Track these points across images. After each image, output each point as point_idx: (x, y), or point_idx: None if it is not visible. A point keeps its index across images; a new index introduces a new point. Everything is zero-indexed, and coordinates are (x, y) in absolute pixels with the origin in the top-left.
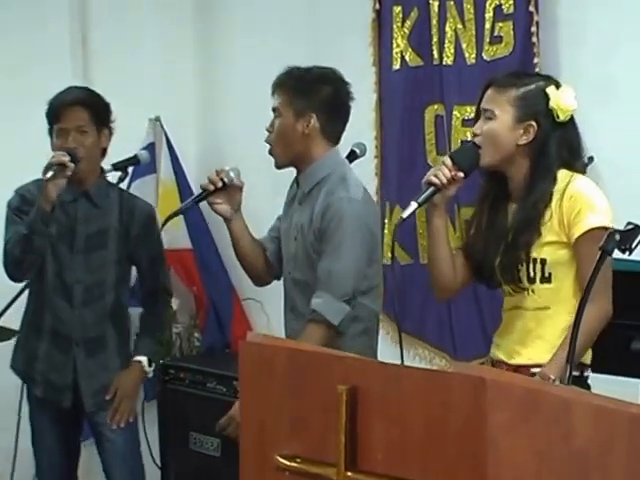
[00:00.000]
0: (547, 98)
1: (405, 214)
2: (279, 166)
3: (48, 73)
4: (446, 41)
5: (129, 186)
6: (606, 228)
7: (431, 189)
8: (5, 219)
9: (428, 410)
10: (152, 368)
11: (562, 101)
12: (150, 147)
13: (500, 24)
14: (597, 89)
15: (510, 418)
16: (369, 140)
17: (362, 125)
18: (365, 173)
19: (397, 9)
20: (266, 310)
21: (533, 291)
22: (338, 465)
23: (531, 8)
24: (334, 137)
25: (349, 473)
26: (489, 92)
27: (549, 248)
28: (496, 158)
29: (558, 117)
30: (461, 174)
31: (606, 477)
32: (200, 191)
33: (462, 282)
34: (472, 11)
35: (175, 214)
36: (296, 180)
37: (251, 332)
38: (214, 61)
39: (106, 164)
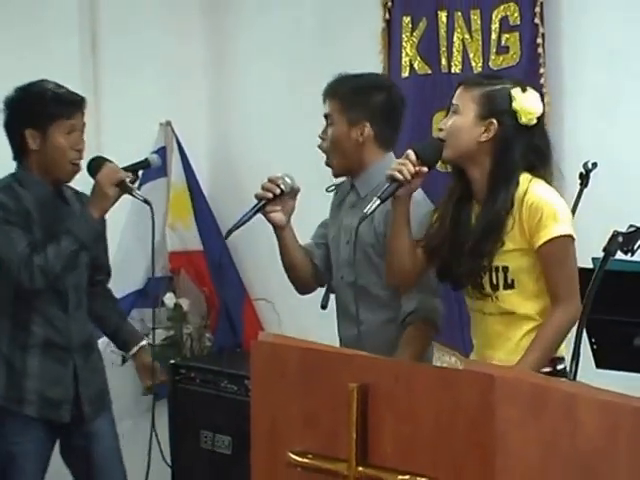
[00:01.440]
0: (511, 99)
1: (368, 210)
2: (336, 175)
3: (58, 79)
4: (454, 50)
5: (139, 189)
6: (569, 236)
7: (394, 184)
8: None
9: (438, 406)
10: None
11: (526, 103)
12: (161, 151)
13: (506, 35)
14: (600, 99)
15: (518, 413)
16: None
17: None
18: None
19: (406, 19)
20: (278, 310)
21: (497, 297)
22: (349, 460)
23: (537, 20)
24: (388, 143)
25: (360, 468)
26: (458, 90)
27: (511, 255)
28: (457, 152)
29: (521, 119)
30: (425, 168)
31: (611, 469)
32: (257, 201)
33: (418, 274)
34: (479, 22)
35: (235, 227)
36: (351, 185)
37: (263, 332)
38: (225, 65)
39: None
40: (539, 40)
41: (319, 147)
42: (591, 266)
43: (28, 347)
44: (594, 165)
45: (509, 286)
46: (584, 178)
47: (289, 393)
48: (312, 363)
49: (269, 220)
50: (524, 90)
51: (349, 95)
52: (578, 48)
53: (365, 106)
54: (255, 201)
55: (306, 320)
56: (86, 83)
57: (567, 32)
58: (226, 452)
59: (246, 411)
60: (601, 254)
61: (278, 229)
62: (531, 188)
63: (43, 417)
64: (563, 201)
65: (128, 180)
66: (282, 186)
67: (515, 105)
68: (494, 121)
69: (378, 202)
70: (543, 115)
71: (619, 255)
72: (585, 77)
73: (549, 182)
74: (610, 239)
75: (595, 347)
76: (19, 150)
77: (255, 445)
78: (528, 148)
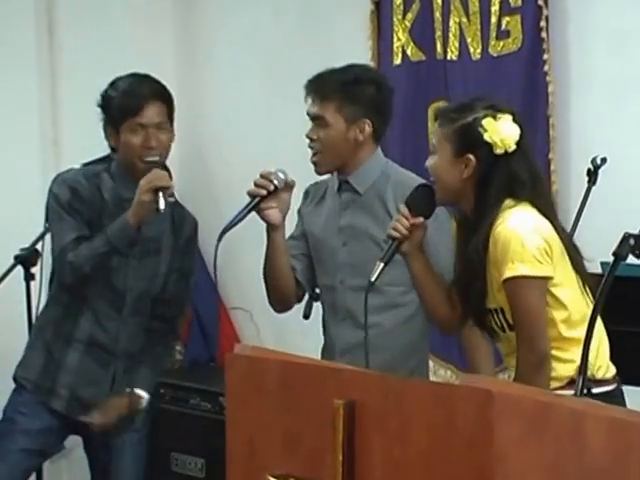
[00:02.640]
0: (484, 131)
1: (373, 277)
2: (321, 173)
3: (14, 76)
4: (450, 35)
5: None
6: (526, 277)
7: (394, 243)
8: (50, 212)
9: (431, 425)
10: (147, 402)
11: (499, 134)
12: None
13: (507, 18)
14: (610, 88)
15: (519, 432)
16: None
17: None
18: None
19: (398, 0)
20: (255, 320)
21: (509, 338)
22: None
23: (540, 2)
24: (381, 138)
25: None
26: (435, 127)
27: (501, 296)
28: (446, 194)
29: (496, 149)
30: (420, 219)
31: None
32: (250, 199)
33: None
34: (477, 4)
35: (229, 228)
36: (340, 183)
37: (239, 344)
38: (195, 62)
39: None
40: (542, 23)
41: (309, 146)
42: (600, 271)
43: (72, 340)
44: (603, 161)
45: (513, 328)
46: (592, 175)
47: (268, 411)
48: (293, 378)
49: (264, 218)
50: (496, 118)
51: (342, 92)
52: (585, 32)
53: (361, 102)
54: (248, 198)
55: (287, 331)
56: (43, 72)
57: (573, 14)
58: (199, 476)
59: (221, 431)
60: (611, 258)
61: (272, 229)
62: (505, 219)
63: (68, 414)
64: (531, 230)
65: (169, 191)
66: (275, 181)
67: (487, 137)
68: (470, 157)
69: (382, 265)
70: (522, 138)
71: (631, 259)
72: (593, 64)
73: (539, 204)
74: (621, 242)
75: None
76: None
77: (231, 468)
78: (507, 175)
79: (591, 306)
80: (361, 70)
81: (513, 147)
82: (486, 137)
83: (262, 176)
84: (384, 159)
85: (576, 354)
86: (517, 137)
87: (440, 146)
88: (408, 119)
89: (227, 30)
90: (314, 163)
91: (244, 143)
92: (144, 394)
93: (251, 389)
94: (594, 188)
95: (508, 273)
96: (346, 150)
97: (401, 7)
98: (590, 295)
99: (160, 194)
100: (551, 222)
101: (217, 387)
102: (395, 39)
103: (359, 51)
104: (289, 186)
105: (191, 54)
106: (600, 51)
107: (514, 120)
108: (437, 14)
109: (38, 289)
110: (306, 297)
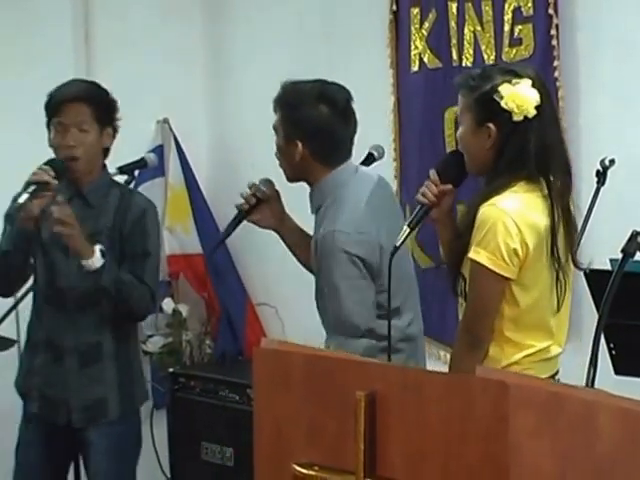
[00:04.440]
0: (500, 98)
1: (398, 242)
2: (289, 181)
3: (51, 74)
4: (465, 43)
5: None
6: (484, 267)
7: (422, 209)
8: None
9: (448, 415)
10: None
11: (516, 99)
12: (158, 150)
13: (519, 26)
14: (617, 92)
15: (533, 422)
16: (387, 143)
17: (380, 128)
18: (384, 176)
19: (415, 11)
20: (281, 315)
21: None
22: (357, 472)
23: (550, 11)
24: (330, 160)
25: None
26: (459, 96)
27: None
28: (473, 164)
29: (515, 116)
30: (449, 186)
31: None
32: (236, 212)
33: None
34: (491, 13)
35: (220, 242)
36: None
37: (266, 338)
38: (224, 61)
39: (112, 167)
40: (553, 32)
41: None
42: (609, 268)
43: (37, 343)
44: (612, 162)
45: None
46: (601, 176)
47: (293, 402)
48: (317, 370)
49: (261, 227)
50: (513, 83)
51: (284, 111)
52: (594, 40)
53: (297, 124)
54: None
55: (310, 326)
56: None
57: (582, 23)
58: (228, 464)
59: (248, 421)
60: (619, 255)
61: (276, 232)
62: (497, 201)
63: (42, 414)
64: (512, 227)
65: (47, 179)
66: (258, 194)
67: (504, 104)
68: (491, 125)
69: (407, 230)
70: (543, 103)
71: (639, 256)
72: (602, 70)
73: (545, 185)
74: (629, 239)
75: (614, 353)
76: None
77: (258, 457)
78: (520, 145)
79: (556, 314)
80: (312, 88)
81: (533, 112)
82: (503, 104)
83: (249, 188)
84: (340, 183)
85: (507, 355)
86: (536, 102)
87: (463, 116)
88: (425, 124)
89: (252, 37)
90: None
91: (270, 145)
92: (97, 250)
93: (277, 381)
94: (603, 188)
95: (472, 254)
96: (292, 163)
97: (418, 17)
98: (562, 294)
99: (25, 195)
100: (551, 208)
101: (245, 379)
102: (412, 47)
103: (378, 58)
104: (271, 196)
105: (219, 61)
106: (608, 58)
107: (534, 85)
108: (452, 23)
109: None
110: None
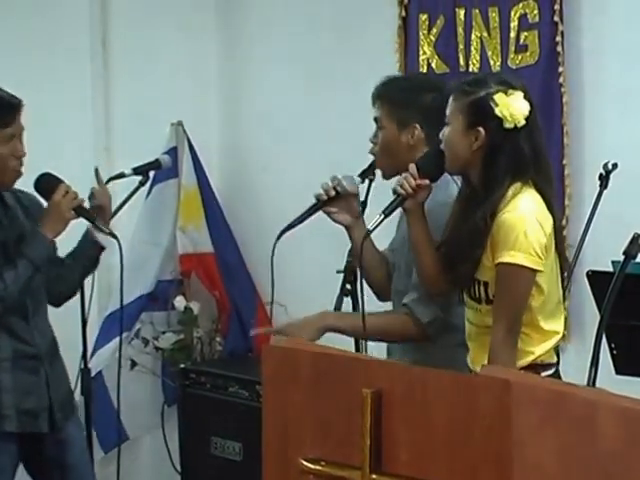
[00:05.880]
0: (494, 105)
1: (371, 225)
2: (386, 177)
3: (68, 78)
4: (472, 49)
5: (150, 190)
6: (523, 266)
7: (398, 199)
8: None
9: (453, 412)
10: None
11: (509, 108)
12: (172, 152)
13: (525, 33)
14: (621, 98)
15: (535, 420)
16: None
17: None
18: None
19: (423, 17)
20: (290, 314)
21: (480, 310)
22: (363, 468)
23: (556, 18)
24: (432, 143)
25: (374, 476)
26: (449, 100)
27: (489, 272)
28: (455, 163)
29: (505, 124)
30: (426, 181)
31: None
32: (314, 202)
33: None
34: (497, 20)
35: (289, 227)
36: None
37: (275, 336)
38: (237, 64)
39: (127, 168)
40: (558, 38)
41: (370, 152)
42: (611, 269)
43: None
44: (614, 166)
45: (491, 302)
46: (604, 179)
47: (301, 399)
48: (325, 368)
49: (333, 220)
50: (507, 93)
51: (397, 97)
52: (598, 46)
53: (414, 107)
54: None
55: None
56: (96, 82)
57: (587, 30)
58: (236, 459)
59: (257, 417)
60: (621, 257)
61: (347, 229)
62: (514, 208)
63: (23, 430)
64: (537, 224)
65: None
66: (338, 188)
67: (498, 111)
68: (481, 129)
69: (382, 217)
70: (532, 114)
71: None
72: (605, 76)
73: (542, 188)
74: (630, 242)
75: (615, 353)
76: None
77: (266, 452)
78: (514, 152)
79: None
80: (422, 78)
81: (522, 122)
82: (497, 111)
83: (331, 181)
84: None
85: (537, 347)
86: (527, 113)
87: (453, 117)
88: None
89: (266, 41)
90: (378, 167)
91: (283, 150)
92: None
93: (285, 378)
94: (605, 192)
95: (507, 259)
96: (400, 153)
97: (426, 23)
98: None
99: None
100: (548, 203)
101: (254, 376)
102: (421, 52)
103: (388, 63)
104: (351, 193)
105: (232, 64)
106: (611, 64)
107: (525, 97)
108: (460, 29)
109: None
110: (337, 292)
